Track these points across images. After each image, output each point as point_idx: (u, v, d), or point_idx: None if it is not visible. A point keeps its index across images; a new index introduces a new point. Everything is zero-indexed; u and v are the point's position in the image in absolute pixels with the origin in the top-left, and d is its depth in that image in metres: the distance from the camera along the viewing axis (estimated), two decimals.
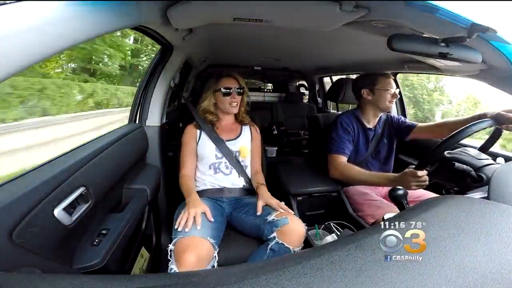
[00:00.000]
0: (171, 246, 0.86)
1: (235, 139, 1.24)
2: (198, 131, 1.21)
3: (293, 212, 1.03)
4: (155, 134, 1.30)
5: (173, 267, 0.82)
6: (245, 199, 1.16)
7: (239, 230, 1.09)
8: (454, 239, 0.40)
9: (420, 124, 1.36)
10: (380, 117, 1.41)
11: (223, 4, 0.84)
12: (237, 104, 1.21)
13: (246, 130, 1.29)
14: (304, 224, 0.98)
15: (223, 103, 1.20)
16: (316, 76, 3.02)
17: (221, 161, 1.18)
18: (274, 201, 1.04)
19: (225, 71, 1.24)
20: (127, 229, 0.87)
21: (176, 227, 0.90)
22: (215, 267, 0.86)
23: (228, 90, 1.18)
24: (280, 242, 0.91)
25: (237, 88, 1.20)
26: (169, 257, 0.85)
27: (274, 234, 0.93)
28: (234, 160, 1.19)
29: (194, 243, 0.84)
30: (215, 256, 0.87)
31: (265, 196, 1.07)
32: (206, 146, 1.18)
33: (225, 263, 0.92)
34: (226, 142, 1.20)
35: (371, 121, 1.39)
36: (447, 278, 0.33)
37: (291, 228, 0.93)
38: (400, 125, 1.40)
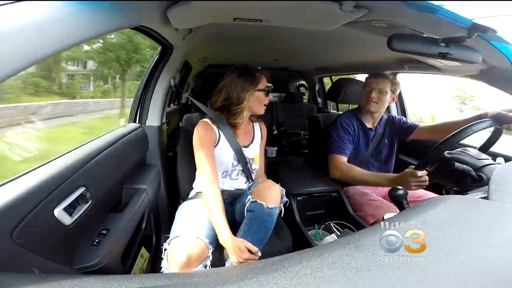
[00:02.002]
0: (165, 245, 0.86)
1: (249, 144, 1.15)
2: (217, 131, 1.05)
3: None
4: (155, 134, 1.30)
5: (164, 265, 0.82)
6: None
7: (238, 224, 1.07)
8: (454, 239, 0.40)
9: (421, 125, 1.36)
10: (382, 117, 1.41)
11: (223, 4, 0.84)
12: None
13: (257, 131, 1.20)
14: (281, 188, 0.95)
15: (262, 103, 1.09)
16: (316, 76, 3.02)
17: (235, 168, 1.12)
18: None
19: (259, 68, 1.11)
20: (127, 229, 0.87)
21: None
22: (208, 266, 0.86)
23: (268, 89, 1.09)
24: (253, 199, 0.90)
25: (268, 86, 1.10)
26: (162, 256, 0.85)
27: (250, 196, 0.93)
28: (247, 168, 1.13)
29: (187, 242, 0.84)
30: (209, 255, 0.86)
31: None
32: (225, 152, 1.07)
33: (221, 263, 0.92)
34: (243, 149, 1.11)
35: (370, 121, 1.39)
36: (447, 278, 0.33)
37: (261, 186, 0.93)
38: (401, 126, 1.40)
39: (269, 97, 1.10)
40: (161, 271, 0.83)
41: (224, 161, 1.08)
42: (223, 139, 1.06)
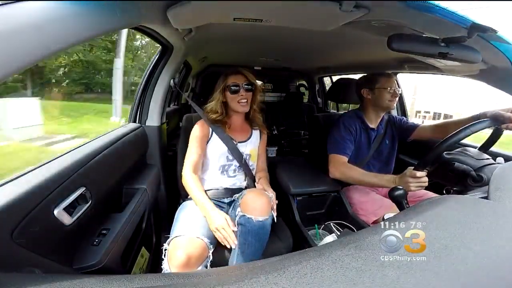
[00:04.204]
0: (165, 245, 0.86)
1: (246, 141, 1.21)
2: (210, 130, 1.16)
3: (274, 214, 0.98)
4: (155, 134, 1.30)
5: (165, 266, 0.83)
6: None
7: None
8: (454, 239, 0.40)
9: (422, 125, 1.36)
10: (383, 117, 1.40)
11: (223, 4, 0.84)
12: (247, 102, 1.15)
13: (255, 131, 1.27)
14: (270, 194, 0.96)
15: (232, 101, 1.14)
16: (316, 76, 3.02)
17: (231, 163, 1.16)
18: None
19: (233, 68, 1.18)
20: (127, 229, 0.87)
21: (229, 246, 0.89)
22: (208, 266, 0.86)
23: (236, 87, 1.13)
24: (242, 213, 0.90)
25: (245, 85, 1.13)
26: (163, 256, 0.85)
27: (238, 208, 0.93)
28: (243, 163, 1.16)
29: (187, 242, 0.84)
30: (210, 255, 0.87)
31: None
32: (217, 147, 1.15)
33: (219, 262, 0.92)
34: (238, 144, 1.17)
35: (374, 121, 1.38)
36: (447, 278, 0.33)
37: (249, 197, 0.92)
38: (402, 126, 1.40)
39: (243, 96, 1.13)
40: (162, 272, 0.83)
41: (217, 156, 1.15)
42: (215, 136, 1.15)
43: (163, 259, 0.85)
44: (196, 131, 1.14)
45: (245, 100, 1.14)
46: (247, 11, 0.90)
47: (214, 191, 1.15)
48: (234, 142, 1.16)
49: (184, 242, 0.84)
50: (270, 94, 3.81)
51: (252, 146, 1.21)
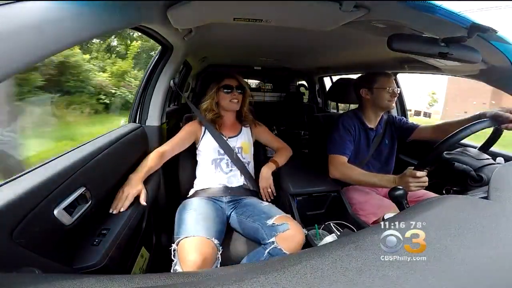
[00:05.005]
0: (174, 246, 0.86)
1: (236, 135, 1.29)
2: (203, 128, 1.26)
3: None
4: (155, 134, 1.30)
5: (177, 268, 0.82)
6: (245, 200, 1.15)
7: (238, 231, 1.09)
8: (454, 239, 0.40)
9: (422, 125, 1.36)
10: (382, 117, 1.40)
11: (223, 4, 0.84)
12: (238, 102, 1.26)
13: (245, 128, 1.34)
14: (303, 228, 0.99)
15: (225, 100, 1.25)
16: (316, 76, 3.02)
17: (223, 157, 1.22)
18: (264, 185, 1.20)
19: (227, 72, 1.30)
20: (127, 229, 0.87)
21: (111, 210, 0.85)
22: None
23: (229, 89, 1.25)
24: (279, 247, 0.90)
25: (237, 87, 1.26)
26: (172, 257, 0.85)
27: (274, 239, 0.92)
28: (235, 157, 1.21)
29: (200, 243, 0.83)
30: (218, 257, 0.87)
31: (262, 176, 1.21)
32: (208, 142, 1.24)
33: (223, 263, 0.92)
34: (228, 139, 1.25)
35: (373, 121, 1.38)
36: (447, 277, 0.33)
37: (292, 235, 0.93)
38: (401, 126, 1.40)
39: (235, 97, 1.25)
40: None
41: (209, 151, 1.23)
42: (207, 134, 1.25)
43: (173, 260, 0.84)
44: (188, 126, 1.26)
45: (237, 100, 1.26)
46: (247, 11, 0.90)
47: (213, 190, 1.16)
48: (225, 138, 1.24)
49: (197, 243, 0.83)
50: (270, 94, 3.81)
51: (243, 139, 1.28)
